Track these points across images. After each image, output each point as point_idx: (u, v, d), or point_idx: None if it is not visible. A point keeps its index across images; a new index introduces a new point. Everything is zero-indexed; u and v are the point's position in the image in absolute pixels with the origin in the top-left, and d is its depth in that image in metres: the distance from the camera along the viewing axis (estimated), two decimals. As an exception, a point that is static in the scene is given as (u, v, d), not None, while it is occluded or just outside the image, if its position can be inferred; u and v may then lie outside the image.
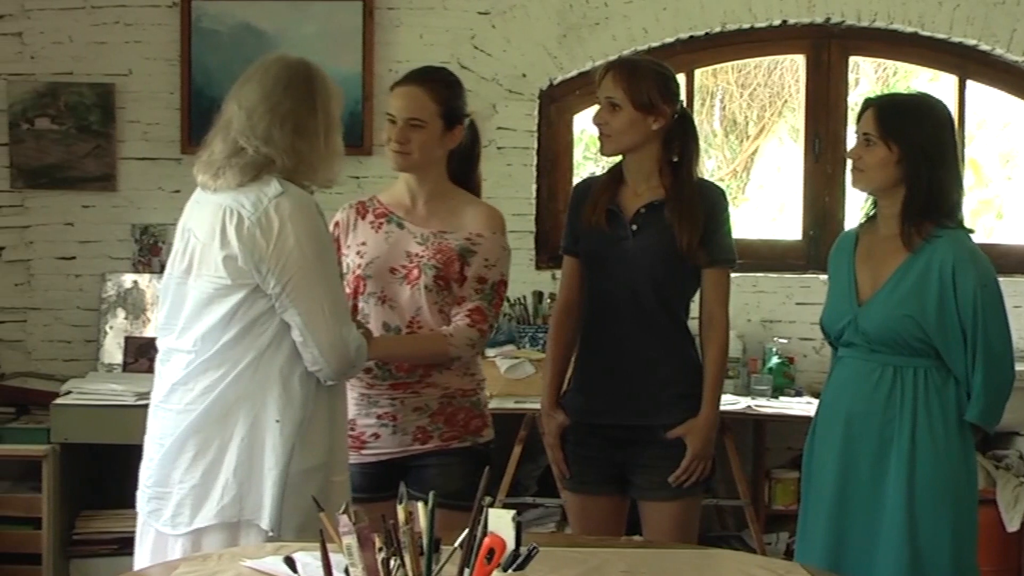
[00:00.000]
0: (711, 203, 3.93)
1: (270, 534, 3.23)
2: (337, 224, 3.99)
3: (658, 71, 3.97)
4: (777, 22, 6.31)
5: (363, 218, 3.95)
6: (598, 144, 4.04)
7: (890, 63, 7.93)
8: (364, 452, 3.82)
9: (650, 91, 3.88)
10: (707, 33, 6.32)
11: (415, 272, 3.80)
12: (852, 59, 6.53)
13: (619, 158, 4.02)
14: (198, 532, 3.28)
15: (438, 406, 3.82)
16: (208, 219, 3.31)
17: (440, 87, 3.86)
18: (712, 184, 4.10)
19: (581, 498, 4.06)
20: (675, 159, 3.97)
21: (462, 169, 3.98)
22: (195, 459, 3.29)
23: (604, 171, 4.19)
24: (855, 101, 6.39)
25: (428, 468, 3.80)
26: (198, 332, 3.31)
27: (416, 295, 3.79)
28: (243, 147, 3.30)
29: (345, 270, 3.92)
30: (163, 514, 3.34)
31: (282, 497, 3.25)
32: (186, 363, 3.33)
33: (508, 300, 6.04)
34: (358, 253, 3.90)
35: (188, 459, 3.30)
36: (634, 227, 3.92)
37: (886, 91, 7.46)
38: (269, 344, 3.30)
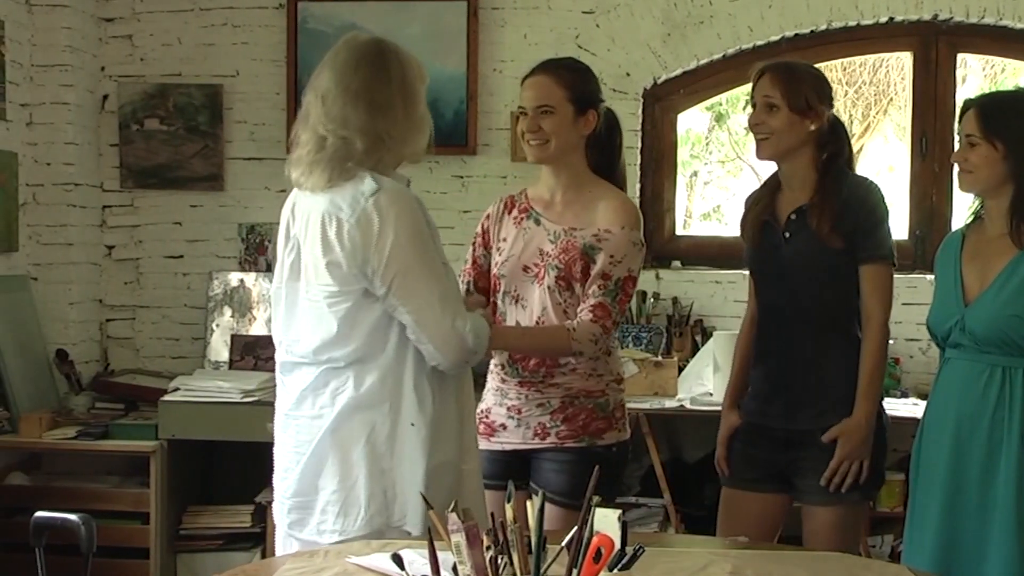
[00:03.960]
0: (860, 198, 3.89)
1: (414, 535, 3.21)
2: (488, 216, 4.04)
3: (815, 73, 3.99)
4: (884, 19, 6.23)
5: (509, 213, 3.97)
6: (755, 147, 4.03)
7: (999, 60, 7.81)
8: (492, 440, 3.88)
9: (807, 93, 3.88)
10: (812, 31, 6.27)
11: (543, 271, 3.82)
12: (960, 56, 6.44)
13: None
14: (347, 542, 3.20)
15: (559, 404, 3.81)
16: (311, 225, 3.29)
17: (566, 72, 3.84)
18: (865, 180, 4.04)
19: (738, 493, 4.07)
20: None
21: (603, 161, 3.94)
22: (337, 465, 3.27)
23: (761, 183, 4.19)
24: (963, 99, 6.31)
25: (545, 463, 3.82)
26: (318, 342, 3.28)
27: (543, 295, 3.81)
28: (323, 135, 3.27)
29: (493, 266, 3.97)
30: (308, 524, 3.32)
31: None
32: (313, 374, 3.30)
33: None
34: (498, 250, 3.94)
35: (330, 465, 3.28)
36: (787, 234, 3.93)
37: (987, 91, 7.34)
38: (396, 348, 3.29)
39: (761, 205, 4.02)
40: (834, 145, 3.96)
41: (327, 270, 3.23)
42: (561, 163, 3.86)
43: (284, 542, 3.42)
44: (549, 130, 3.79)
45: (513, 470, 3.79)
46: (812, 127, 3.88)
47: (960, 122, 3.85)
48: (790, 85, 3.87)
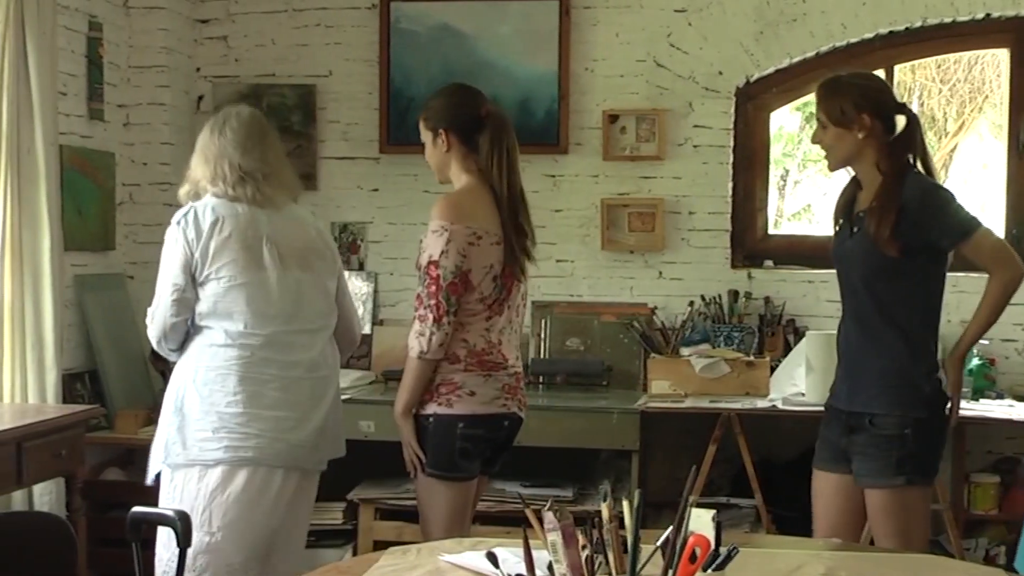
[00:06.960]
0: (916, 199, 3.88)
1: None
2: None
3: (858, 83, 4.03)
4: (980, 15, 6.15)
5: None
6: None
7: (1098, 57, 7.68)
8: None
9: (843, 105, 3.93)
10: (907, 28, 6.20)
11: None
12: (1059, 53, 6.34)
13: None
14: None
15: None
16: (295, 232, 4.15)
17: (424, 109, 4.23)
18: (921, 179, 4.01)
19: (817, 473, 4.14)
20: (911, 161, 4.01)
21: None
22: (338, 411, 4.26)
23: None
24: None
25: None
26: (326, 309, 4.22)
27: None
28: (251, 169, 4.13)
29: None
30: (317, 457, 4.19)
31: None
32: (322, 340, 4.18)
33: (703, 299, 6.03)
34: None
35: (337, 411, 4.25)
36: (855, 228, 3.97)
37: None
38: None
39: (844, 200, 4.12)
40: (901, 147, 3.99)
41: (332, 259, 4.27)
42: (449, 181, 4.20)
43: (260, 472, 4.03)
44: (427, 158, 4.23)
45: None
46: (861, 135, 3.93)
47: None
48: (828, 101, 3.98)
